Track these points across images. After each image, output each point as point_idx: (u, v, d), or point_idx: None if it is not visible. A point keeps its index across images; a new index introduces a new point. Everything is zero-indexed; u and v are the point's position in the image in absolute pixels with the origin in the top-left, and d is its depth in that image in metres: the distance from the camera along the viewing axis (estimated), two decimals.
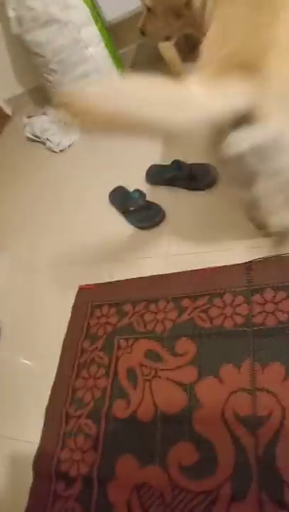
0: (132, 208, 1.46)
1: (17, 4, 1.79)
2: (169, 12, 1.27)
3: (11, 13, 1.83)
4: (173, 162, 1.49)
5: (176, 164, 1.47)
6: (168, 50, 1.80)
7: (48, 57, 1.85)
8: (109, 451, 1.01)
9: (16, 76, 2.30)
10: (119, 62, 1.96)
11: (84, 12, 1.80)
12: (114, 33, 1.93)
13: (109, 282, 1.34)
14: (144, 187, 1.54)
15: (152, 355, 1.10)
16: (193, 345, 1.07)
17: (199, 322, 1.10)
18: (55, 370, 1.23)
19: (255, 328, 1.01)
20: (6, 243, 1.76)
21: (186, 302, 1.16)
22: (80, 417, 1.10)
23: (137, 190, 1.50)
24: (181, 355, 1.07)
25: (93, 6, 1.84)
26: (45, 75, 1.96)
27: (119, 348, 1.16)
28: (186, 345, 1.08)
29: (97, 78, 1.91)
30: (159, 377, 1.06)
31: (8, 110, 2.44)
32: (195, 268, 1.22)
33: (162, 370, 1.06)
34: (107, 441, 1.03)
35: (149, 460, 0.95)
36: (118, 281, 1.33)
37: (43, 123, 2.05)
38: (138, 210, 1.46)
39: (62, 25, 1.79)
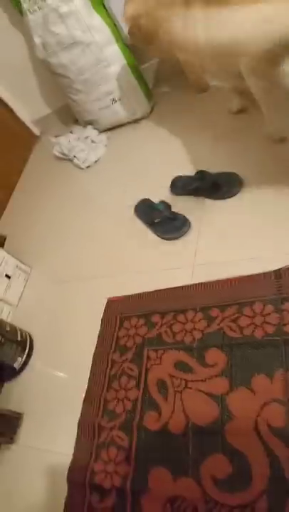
0: (157, 220, 1.48)
1: (42, 31, 1.88)
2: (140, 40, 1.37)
3: (37, 40, 1.92)
4: (197, 172, 1.50)
5: (201, 174, 1.48)
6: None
7: (72, 78, 1.93)
8: (141, 463, 1.01)
9: (42, 97, 2.39)
10: (142, 78, 2.00)
11: (105, 32, 1.86)
12: (135, 50, 1.98)
13: (138, 294, 1.35)
14: (169, 198, 1.56)
15: (182, 366, 1.10)
16: (223, 355, 1.06)
17: (229, 332, 1.09)
18: (86, 382, 1.25)
19: (287, 337, 0.99)
20: (36, 256, 1.82)
21: (214, 312, 1.15)
22: (112, 428, 1.11)
23: (162, 202, 1.52)
24: (211, 365, 1.06)
25: (114, 25, 1.90)
26: (70, 95, 2.03)
27: (148, 359, 1.17)
28: (216, 356, 1.07)
29: (121, 95, 1.96)
30: (190, 388, 1.05)
31: (36, 131, 2.55)
32: (223, 277, 1.22)
33: (193, 381, 1.06)
34: (139, 453, 1.03)
35: (182, 472, 0.94)
36: (146, 292, 1.34)
37: (70, 141, 2.12)
38: (164, 222, 1.47)
39: (84, 47, 1.86)
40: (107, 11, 1.89)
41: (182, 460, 0.95)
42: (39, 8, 1.83)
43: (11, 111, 2.39)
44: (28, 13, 1.87)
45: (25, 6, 1.85)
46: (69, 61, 1.89)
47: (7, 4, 1.98)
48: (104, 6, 1.87)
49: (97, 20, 1.84)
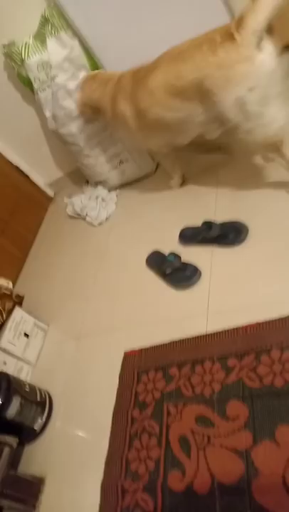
0: (168, 270, 1.52)
1: (52, 106, 2.07)
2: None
3: (47, 113, 2.11)
4: (204, 223, 1.56)
5: (207, 224, 1.53)
6: None
7: (81, 145, 2.07)
8: None
9: (55, 162, 2.57)
10: None
11: None
12: None
13: (153, 346, 1.36)
14: (179, 249, 1.61)
15: (203, 421, 1.08)
16: (245, 407, 1.04)
17: (248, 382, 1.08)
18: (108, 441, 1.23)
19: None
20: (53, 314, 1.86)
21: (232, 362, 1.15)
22: (136, 491, 1.08)
23: (172, 253, 1.56)
24: (232, 419, 1.04)
25: None
26: (80, 159, 2.18)
27: (168, 414, 1.15)
28: (237, 408, 1.05)
29: (128, 156, 2.09)
30: (213, 444, 1.03)
31: (50, 192, 2.71)
32: (238, 324, 1.22)
33: (215, 436, 1.03)
34: None
35: None
36: (162, 344, 1.34)
37: (82, 201, 2.24)
38: (175, 272, 1.51)
39: None
40: None
41: None
42: (48, 86, 2.03)
43: (26, 176, 2.56)
44: (38, 91, 2.07)
45: (35, 85, 2.05)
46: (78, 130, 2.05)
47: (19, 85, 2.20)
48: None
49: None
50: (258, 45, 1.11)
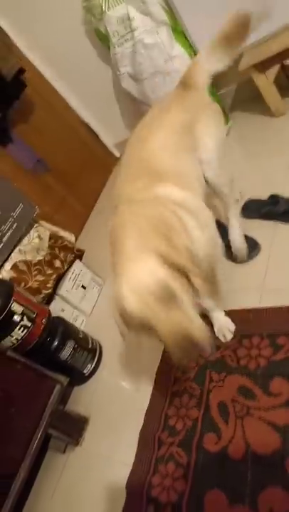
0: (227, 241, 1.49)
1: (128, 61, 2.04)
2: None
3: (122, 69, 2.09)
4: (270, 196, 1.49)
5: (274, 198, 1.47)
6: (267, 87, 1.83)
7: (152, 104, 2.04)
8: (199, 483, 1.02)
9: (124, 123, 2.57)
10: (219, 102, 2.05)
11: (185, 59, 1.95)
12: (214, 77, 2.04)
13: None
14: (241, 221, 1.56)
15: (245, 392, 1.09)
16: None
17: None
18: (149, 395, 1.30)
19: None
20: (110, 271, 1.93)
21: (282, 340, 1.13)
22: (171, 444, 1.14)
23: None
24: (275, 395, 1.04)
25: (194, 52, 1.99)
26: None
27: (211, 380, 1.18)
28: (281, 386, 1.04)
29: None
30: (252, 415, 1.04)
31: (117, 153, 2.73)
32: None
33: (255, 408, 1.05)
34: (197, 473, 1.04)
35: (238, 499, 0.93)
36: None
37: None
38: None
39: (165, 75, 1.97)
40: (188, 40, 1.99)
41: (239, 487, 0.95)
42: (126, 41, 2.00)
43: (95, 135, 2.60)
44: (116, 46, 2.04)
45: (114, 40, 2.02)
46: (150, 88, 2.02)
47: (95, 42, 2.19)
48: (186, 37, 1.98)
49: (178, 50, 1.95)
50: None
